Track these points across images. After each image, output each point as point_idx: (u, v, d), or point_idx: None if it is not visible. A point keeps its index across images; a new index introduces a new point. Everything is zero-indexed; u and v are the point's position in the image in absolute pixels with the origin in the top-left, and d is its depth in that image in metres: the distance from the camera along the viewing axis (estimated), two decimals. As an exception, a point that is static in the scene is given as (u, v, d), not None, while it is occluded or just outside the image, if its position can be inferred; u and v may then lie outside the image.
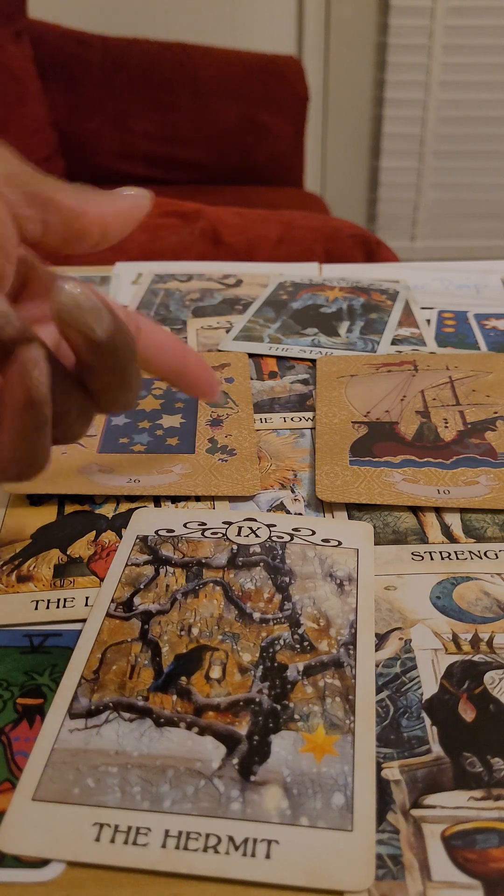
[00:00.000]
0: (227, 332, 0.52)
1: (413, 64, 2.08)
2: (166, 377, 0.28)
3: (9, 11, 1.44)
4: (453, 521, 0.33)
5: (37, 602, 0.29)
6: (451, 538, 0.32)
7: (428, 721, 0.24)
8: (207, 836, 0.20)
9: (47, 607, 0.29)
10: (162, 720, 0.24)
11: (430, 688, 0.25)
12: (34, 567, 0.31)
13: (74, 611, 0.29)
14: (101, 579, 0.30)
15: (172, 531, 0.32)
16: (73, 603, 0.29)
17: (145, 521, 0.33)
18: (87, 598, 0.29)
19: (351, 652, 0.26)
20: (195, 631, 0.27)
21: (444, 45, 2.06)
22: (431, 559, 0.31)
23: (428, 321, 0.54)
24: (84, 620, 0.28)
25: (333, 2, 1.99)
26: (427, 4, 2.00)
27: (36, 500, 0.35)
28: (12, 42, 1.45)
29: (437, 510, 0.33)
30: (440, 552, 0.31)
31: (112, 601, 0.28)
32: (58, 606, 0.29)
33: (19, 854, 0.20)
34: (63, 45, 1.58)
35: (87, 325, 0.21)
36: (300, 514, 0.34)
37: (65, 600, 0.29)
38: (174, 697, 0.25)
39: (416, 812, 0.21)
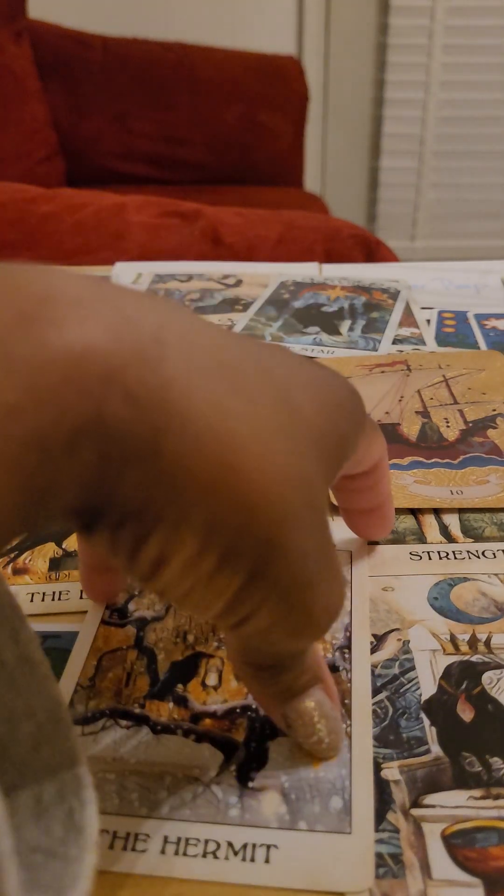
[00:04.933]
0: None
1: (413, 64, 2.08)
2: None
3: (9, 11, 1.45)
4: (452, 521, 0.33)
5: (32, 594, 0.29)
6: (450, 538, 0.32)
7: (427, 721, 0.24)
8: (206, 841, 0.20)
9: (42, 600, 0.29)
10: (159, 727, 0.24)
11: (428, 688, 0.25)
12: (30, 560, 0.31)
13: (69, 603, 0.29)
14: None
15: None
16: (69, 596, 0.29)
17: None
18: (81, 591, 0.29)
19: (346, 655, 0.26)
20: (190, 638, 0.27)
21: (444, 45, 2.06)
22: (430, 559, 0.31)
23: (428, 321, 0.54)
24: (79, 613, 0.28)
25: (333, 2, 1.99)
26: (427, 4, 2.01)
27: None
28: (12, 42, 1.45)
29: (436, 511, 0.33)
30: (438, 552, 0.31)
31: (106, 607, 0.28)
32: (53, 599, 0.29)
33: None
34: (63, 45, 1.58)
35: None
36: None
37: (60, 593, 0.29)
38: (170, 705, 0.24)
39: (415, 811, 0.21)
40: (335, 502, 0.28)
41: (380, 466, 0.26)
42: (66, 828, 0.17)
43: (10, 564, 0.31)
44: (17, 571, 0.31)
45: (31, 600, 0.29)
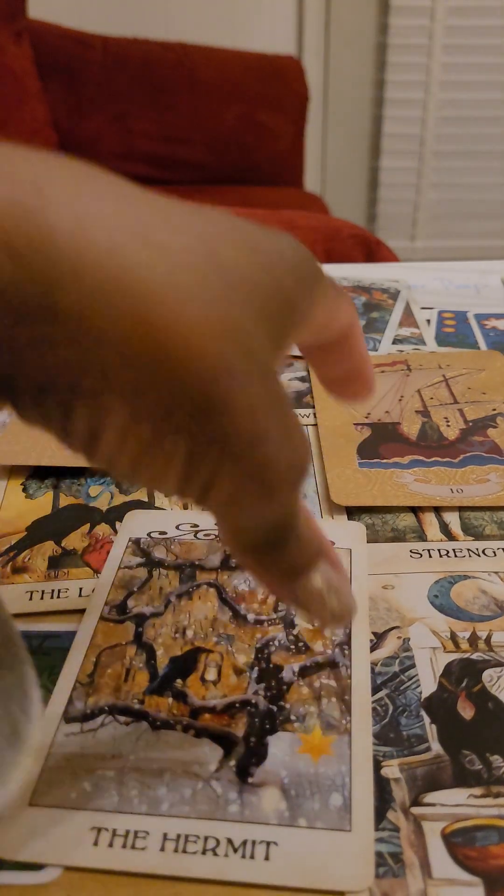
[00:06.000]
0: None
1: (413, 64, 2.08)
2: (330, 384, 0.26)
3: (9, 11, 1.44)
4: (452, 519, 0.33)
5: (31, 593, 0.29)
6: (450, 536, 0.32)
7: (427, 719, 0.24)
8: (206, 838, 0.20)
9: (41, 598, 0.29)
10: (158, 723, 0.24)
11: (428, 686, 0.25)
12: (29, 559, 0.31)
13: (68, 601, 0.29)
14: (95, 571, 0.30)
15: (165, 533, 0.32)
16: (68, 594, 0.29)
17: (137, 523, 0.33)
18: (80, 588, 0.29)
19: (346, 652, 0.26)
20: (189, 633, 0.27)
21: (444, 45, 2.06)
22: (430, 557, 0.30)
23: (428, 321, 0.53)
24: (78, 611, 0.28)
25: (333, 2, 1.99)
26: (427, 4, 2.00)
27: (31, 493, 0.35)
28: (12, 42, 1.45)
29: (437, 509, 0.33)
30: (438, 550, 0.31)
31: (105, 604, 0.28)
32: (52, 597, 0.29)
33: (17, 860, 0.20)
34: (63, 45, 1.58)
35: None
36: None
37: (59, 591, 0.29)
38: (170, 700, 0.24)
39: (416, 810, 0.21)
40: (315, 376, 0.26)
41: (352, 333, 0.24)
42: (9, 740, 0.18)
43: (10, 563, 0.31)
44: (16, 570, 0.30)
45: (31, 598, 0.29)
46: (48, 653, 0.27)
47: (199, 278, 0.15)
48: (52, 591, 0.29)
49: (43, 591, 0.29)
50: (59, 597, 0.29)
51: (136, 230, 0.15)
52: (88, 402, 0.15)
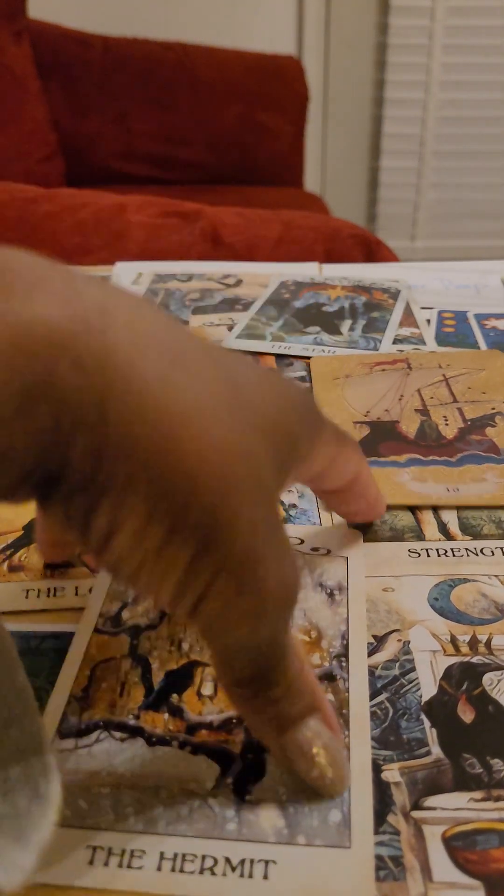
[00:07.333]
0: (230, 329, 0.52)
1: (413, 64, 2.08)
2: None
3: (9, 11, 1.44)
4: (450, 518, 0.33)
5: (27, 591, 0.29)
6: (448, 535, 0.32)
7: (427, 723, 0.23)
8: (203, 857, 0.20)
9: (38, 596, 0.29)
10: (154, 739, 0.23)
11: (428, 690, 0.25)
12: (25, 557, 0.31)
13: (65, 600, 0.29)
14: (92, 570, 0.30)
15: None
16: (64, 592, 0.29)
17: None
18: (76, 588, 0.29)
19: (343, 664, 0.25)
20: (185, 646, 0.27)
21: (444, 45, 2.06)
22: (428, 556, 0.30)
23: (428, 321, 0.53)
24: (75, 610, 0.28)
25: (333, 2, 1.99)
26: (427, 4, 2.00)
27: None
28: (12, 42, 1.45)
29: (435, 508, 0.33)
30: (437, 549, 0.31)
31: (100, 615, 0.28)
32: (48, 596, 0.29)
33: (11, 879, 0.20)
34: (63, 45, 1.58)
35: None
36: (294, 505, 0.34)
37: (55, 590, 0.29)
38: (165, 716, 0.24)
39: (416, 814, 0.21)
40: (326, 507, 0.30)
41: (359, 480, 0.27)
42: (30, 799, 0.18)
43: (7, 562, 0.31)
44: (13, 569, 0.30)
45: (27, 597, 0.29)
46: (47, 654, 0.27)
47: (223, 408, 0.18)
48: (49, 589, 0.29)
49: (39, 590, 0.29)
50: (55, 595, 0.29)
51: (177, 356, 0.17)
52: (114, 501, 0.16)
